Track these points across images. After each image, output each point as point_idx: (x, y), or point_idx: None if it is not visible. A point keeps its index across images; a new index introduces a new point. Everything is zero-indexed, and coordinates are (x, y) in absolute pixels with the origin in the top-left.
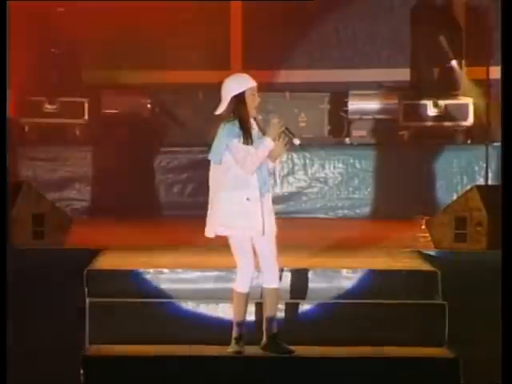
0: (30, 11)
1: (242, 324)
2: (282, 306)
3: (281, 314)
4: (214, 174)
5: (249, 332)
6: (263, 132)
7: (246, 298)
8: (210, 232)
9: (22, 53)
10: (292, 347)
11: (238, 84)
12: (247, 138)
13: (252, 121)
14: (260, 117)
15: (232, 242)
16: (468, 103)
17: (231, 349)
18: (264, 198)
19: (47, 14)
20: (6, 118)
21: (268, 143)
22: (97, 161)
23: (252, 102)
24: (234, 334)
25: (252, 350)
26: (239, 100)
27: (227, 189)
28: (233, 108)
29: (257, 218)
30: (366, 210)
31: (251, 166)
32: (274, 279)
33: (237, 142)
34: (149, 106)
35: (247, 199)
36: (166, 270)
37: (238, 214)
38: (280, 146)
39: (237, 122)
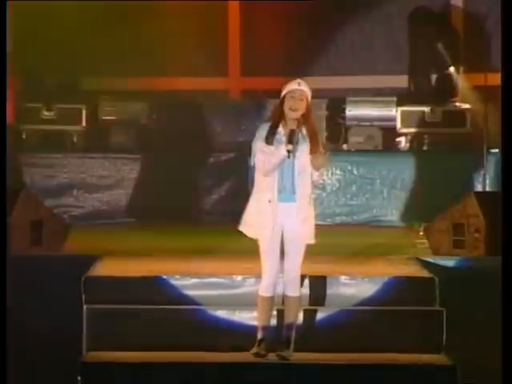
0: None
1: (266, 328)
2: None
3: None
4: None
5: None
6: (286, 138)
7: (270, 301)
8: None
9: (20, 58)
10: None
11: (284, 88)
12: (268, 138)
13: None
14: (295, 126)
15: (260, 244)
16: (466, 110)
17: (253, 350)
18: (285, 202)
19: (46, 19)
20: (6, 125)
21: (281, 150)
22: (95, 168)
23: (288, 105)
24: (259, 336)
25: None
26: (280, 102)
27: (254, 190)
28: (273, 110)
29: (267, 220)
30: (364, 216)
31: (262, 168)
32: (292, 288)
33: (259, 144)
34: (147, 112)
35: (269, 201)
36: (164, 277)
37: (254, 213)
38: (320, 157)
39: (269, 124)
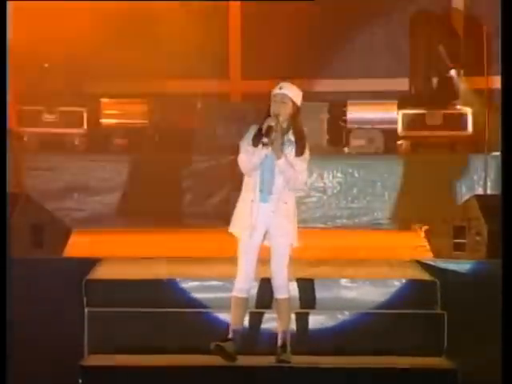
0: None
1: (237, 329)
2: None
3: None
4: None
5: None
6: (264, 133)
7: (243, 303)
8: None
9: (21, 62)
10: (290, 357)
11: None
12: (254, 140)
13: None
14: (273, 123)
15: (239, 244)
16: (467, 113)
17: (215, 342)
18: (266, 202)
19: (47, 23)
20: (7, 128)
21: (262, 150)
22: (96, 170)
23: (272, 109)
24: (229, 335)
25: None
26: (268, 107)
27: (242, 191)
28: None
29: (248, 220)
30: (365, 219)
31: (244, 167)
32: (280, 290)
33: (245, 144)
34: (148, 115)
35: (251, 201)
36: (164, 280)
37: (239, 213)
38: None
39: (257, 127)
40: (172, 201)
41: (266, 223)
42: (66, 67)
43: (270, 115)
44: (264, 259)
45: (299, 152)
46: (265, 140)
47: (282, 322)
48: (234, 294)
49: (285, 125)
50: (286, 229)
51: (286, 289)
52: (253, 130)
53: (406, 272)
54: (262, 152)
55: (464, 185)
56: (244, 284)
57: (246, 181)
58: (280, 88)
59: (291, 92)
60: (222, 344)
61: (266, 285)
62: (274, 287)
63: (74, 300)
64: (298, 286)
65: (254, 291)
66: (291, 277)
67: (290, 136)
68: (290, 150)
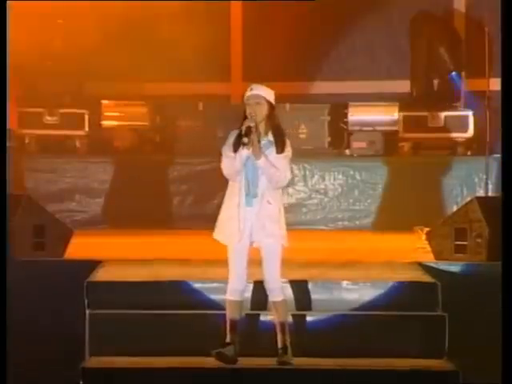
0: (31, 21)
1: (234, 332)
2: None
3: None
4: None
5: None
6: (243, 134)
7: (238, 305)
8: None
9: (22, 63)
10: (291, 359)
11: None
12: (234, 145)
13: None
14: (252, 124)
15: (228, 249)
16: (468, 115)
17: (216, 350)
18: (253, 206)
19: (48, 24)
20: (7, 130)
21: (242, 153)
22: (97, 172)
23: (248, 110)
24: (228, 339)
25: (246, 362)
26: (244, 110)
27: (225, 197)
28: None
29: (235, 225)
30: (366, 221)
31: (227, 173)
32: (275, 292)
33: (226, 150)
34: (149, 117)
35: (237, 206)
36: (165, 282)
37: (224, 219)
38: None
39: (237, 132)
40: (173, 203)
41: (254, 226)
42: (67, 69)
43: (243, 119)
44: (258, 260)
45: (279, 150)
46: (245, 140)
47: (280, 324)
48: (228, 297)
49: (262, 125)
50: (270, 229)
51: (279, 291)
52: (232, 136)
53: (407, 274)
54: (243, 154)
55: (465, 187)
56: (237, 284)
57: (230, 186)
58: (251, 89)
59: (263, 92)
60: (222, 350)
61: (262, 286)
62: (267, 290)
63: (76, 302)
64: (298, 288)
65: (255, 292)
66: (284, 278)
67: (270, 137)
68: (272, 151)
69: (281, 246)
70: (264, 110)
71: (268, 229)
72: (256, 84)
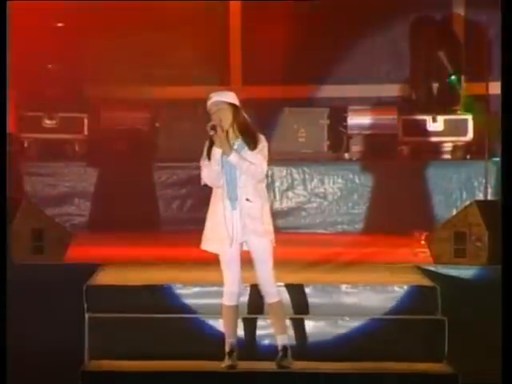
0: (30, 25)
1: (233, 337)
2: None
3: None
4: None
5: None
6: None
7: (234, 311)
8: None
9: (21, 67)
10: (292, 362)
11: None
12: (207, 154)
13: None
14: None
15: (220, 255)
16: (467, 118)
17: (225, 364)
18: (237, 209)
19: (47, 28)
20: (7, 134)
21: (216, 155)
22: (96, 176)
23: (214, 118)
24: (227, 348)
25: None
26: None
27: (210, 205)
28: None
29: (223, 230)
30: (366, 225)
31: (209, 181)
32: (270, 294)
33: (202, 161)
34: (148, 121)
35: (223, 211)
36: (165, 286)
37: (211, 227)
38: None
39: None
40: (172, 207)
41: (242, 230)
42: (66, 73)
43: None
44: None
45: (252, 147)
46: (211, 132)
47: (278, 327)
48: (225, 302)
49: (231, 130)
50: (251, 226)
51: (275, 293)
52: (205, 147)
53: (407, 278)
54: (216, 153)
55: (464, 190)
56: (233, 287)
57: (214, 193)
58: (210, 98)
59: (222, 96)
60: (232, 363)
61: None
62: (263, 293)
63: (75, 305)
64: (296, 292)
65: (252, 296)
66: (283, 282)
67: (241, 140)
68: (246, 150)
69: (269, 245)
70: (228, 114)
71: (249, 226)
72: (213, 92)
